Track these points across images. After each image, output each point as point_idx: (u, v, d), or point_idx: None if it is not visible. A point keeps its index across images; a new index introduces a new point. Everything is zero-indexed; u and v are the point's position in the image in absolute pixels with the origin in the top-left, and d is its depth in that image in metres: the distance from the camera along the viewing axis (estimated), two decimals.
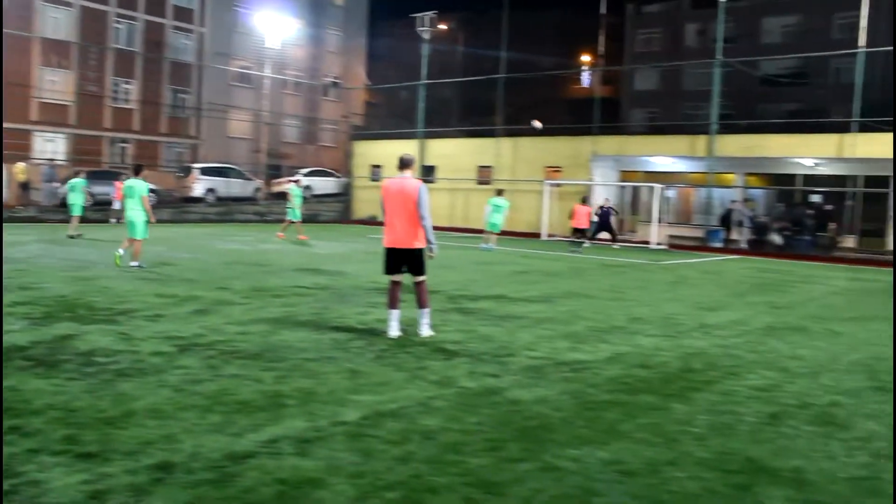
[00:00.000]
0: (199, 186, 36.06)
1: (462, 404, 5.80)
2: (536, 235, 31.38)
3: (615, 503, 4.01)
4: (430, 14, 38.35)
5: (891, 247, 29.33)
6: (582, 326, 9.67)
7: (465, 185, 37.08)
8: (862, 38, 28.11)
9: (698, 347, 8.61)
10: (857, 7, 28.48)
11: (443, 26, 51.79)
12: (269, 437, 4.80)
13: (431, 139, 39.85)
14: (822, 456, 4.97)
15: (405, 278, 8.52)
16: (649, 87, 54.88)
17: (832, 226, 28.87)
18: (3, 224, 20.69)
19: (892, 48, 31.65)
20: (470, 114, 54.34)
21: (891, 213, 30.21)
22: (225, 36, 45.79)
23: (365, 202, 40.76)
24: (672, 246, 28.85)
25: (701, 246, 29.34)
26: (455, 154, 38.31)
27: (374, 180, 40.93)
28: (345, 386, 6.16)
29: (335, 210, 40.99)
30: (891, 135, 27.53)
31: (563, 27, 59.10)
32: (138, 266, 14.03)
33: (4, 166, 29.23)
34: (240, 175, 38.80)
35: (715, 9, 30.48)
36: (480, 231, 26.80)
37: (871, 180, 29.43)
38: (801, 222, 28.42)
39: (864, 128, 27.62)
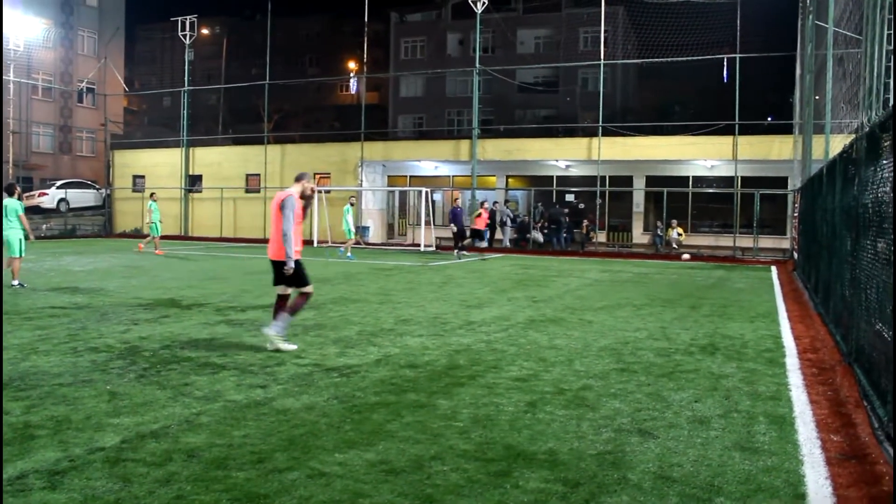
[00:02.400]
0: None
1: (228, 418, 5.67)
2: (309, 243, 31.18)
3: (381, 502, 4.09)
4: (191, 18, 37.04)
5: (636, 240, 32.19)
6: (351, 331, 9.75)
7: (233, 193, 36.17)
8: (603, 52, 30.55)
9: (463, 344, 8.95)
10: (599, 23, 30.91)
11: (206, 31, 50.19)
12: (16, 472, 4.43)
13: (197, 147, 38.56)
14: (574, 436, 5.33)
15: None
16: (415, 93, 56.26)
17: (585, 223, 31.14)
18: None
19: (627, 61, 34.64)
20: (237, 121, 53.07)
21: (638, 209, 33.12)
22: None
23: (128, 214, 38.68)
24: (441, 247, 29.70)
25: (468, 246, 30.47)
26: (222, 162, 37.27)
27: (136, 191, 38.91)
28: (103, 409, 5.83)
29: (96, 224, 38.49)
30: (629, 139, 30.19)
31: (330, 34, 59.29)
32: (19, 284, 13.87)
33: None
34: None
35: (474, 19, 31.83)
36: (250, 240, 26.17)
37: (615, 180, 32.08)
38: (558, 220, 30.37)
39: (607, 133, 30.02)
